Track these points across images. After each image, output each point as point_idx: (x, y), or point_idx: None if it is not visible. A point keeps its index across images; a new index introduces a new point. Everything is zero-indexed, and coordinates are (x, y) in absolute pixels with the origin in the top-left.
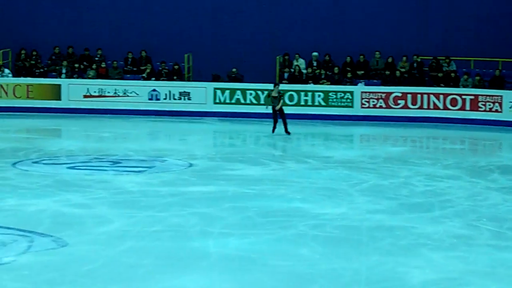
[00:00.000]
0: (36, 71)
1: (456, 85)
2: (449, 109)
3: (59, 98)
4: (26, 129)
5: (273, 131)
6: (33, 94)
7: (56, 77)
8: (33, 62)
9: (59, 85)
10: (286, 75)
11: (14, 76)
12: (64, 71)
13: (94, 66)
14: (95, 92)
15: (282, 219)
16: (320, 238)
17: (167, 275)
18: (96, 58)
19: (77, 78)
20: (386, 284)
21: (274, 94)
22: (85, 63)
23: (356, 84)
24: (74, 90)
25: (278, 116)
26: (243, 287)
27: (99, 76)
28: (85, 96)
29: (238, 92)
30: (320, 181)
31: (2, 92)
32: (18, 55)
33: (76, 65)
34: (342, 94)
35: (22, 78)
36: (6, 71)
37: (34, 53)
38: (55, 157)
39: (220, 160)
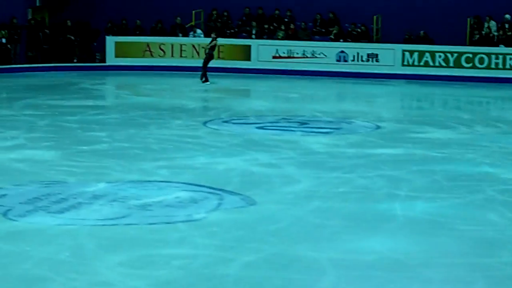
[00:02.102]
0: (227, 31)
1: None
2: None
3: (248, 59)
4: (217, 89)
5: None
6: (223, 55)
7: (246, 38)
8: (223, 22)
9: (249, 46)
10: (476, 37)
11: (205, 36)
12: (254, 31)
13: (283, 27)
14: (284, 53)
15: (470, 183)
16: (509, 203)
17: (353, 236)
18: (286, 19)
19: (267, 39)
20: None
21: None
22: (274, 24)
23: None
24: (264, 50)
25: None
26: (430, 251)
27: (288, 37)
28: (274, 57)
29: (427, 54)
30: (510, 146)
31: (194, 52)
32: (209, 15)
33: (266, 26)
34: None
35: None
36: (198, 31)
37: (225, 13)
38: (244, 116)
39: (408, 123)
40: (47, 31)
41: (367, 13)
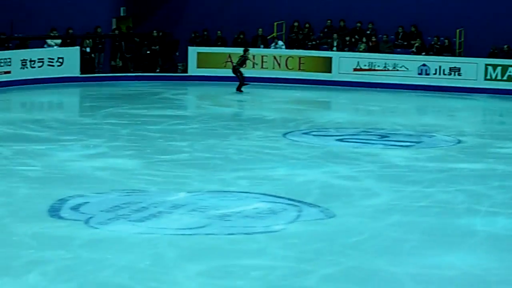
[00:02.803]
0: (308, 43)
1: None
2: None
3: (329, 71)
4: (297, 101)
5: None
6: (304, 66)
7: (327, 50)
8: (304, 34)
9: (330, 58)
10: None
11: (287, 48)
12: (335, 44)
13: (364, 40)
14: (365, 65)
15: None
16: None
17: (433, 251)
18: (367, 32)
19: (348, 51)
20: None
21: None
22: (356, 36)
23: None
24: (345, 63)
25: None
26: (511, 267)
27: (369, 49)
28: (355, 70)
29: (510, 68)
30: None
31: (275, 64)
32: (291, 27)
33: (347, 38)
34: None
35: (294, 50)
36: (280, 43)
37: (307, 25)
38: (324, 128)
39: (489, 138)
40: (136, 39)
41: (450, 26)
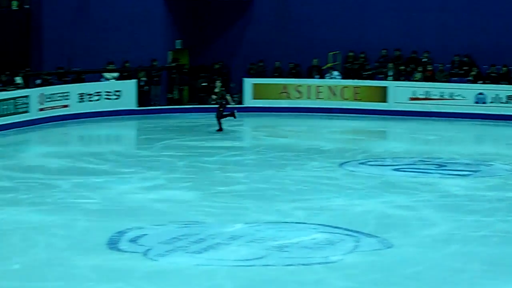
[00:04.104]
0: (364, 73)
1: None
2: None
3: (385, 100)
4: (353, 130)
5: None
6: (360, 96)
7: (382, 79)
8: (360, 64)
9: (385, 87)
10: None
11: (342, 78)
12: (390, 73)
13: (420, 69)
14: (421, 94)
15: None
16: None
17: (493, 281)
18: (423, 61)
19: (404, 80)
20: None
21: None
22: (412, 65)
23: None
24: (400, 92)
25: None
26: None
27: (425, 78)
28: (411, 99)
29: None
30: None
31: (331, 94)
32: (346, 57)
33: (402, 68)
34: None
35: (350, 80)
36: (335, 73)
37: (362, 55)
38: (380, 158)
39: None
40: (185, 70)
41: (507, 54)
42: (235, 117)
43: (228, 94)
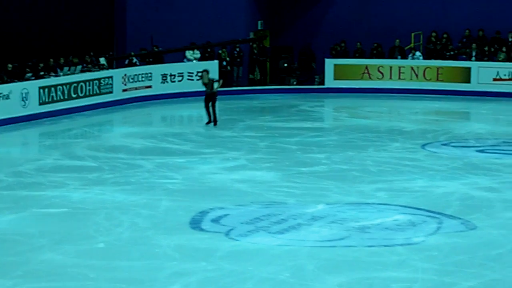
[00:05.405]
0: (446, 53)
1: None
2: None
3: (468, 81)
4: (435, 111)
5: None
6: (442, 77)
7: (465, 60)
8: (442, 44)
9: (468, 68)
10: None
11: (424, 58)
12: (473, 53)
13: (504, 49)
14: (505, 75)
15: None
16: None
17: None
18: (510, 40)
19: (487, 60)
20: None
21: (205, 80)
22: (495, 45)
23: None
24: (484, 73)
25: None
26: None
27: (509, 59)
28: (494, 79)
29: None
30: None
31: (413, 75)
32: (429, 37)
33: (486, 48)
34: None
35: (432, 61)
36: (417, 53)
37: (445, 35)
38: (463, 139)
39: None
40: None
41: None
42: (215, 125)
43: (217, 82)
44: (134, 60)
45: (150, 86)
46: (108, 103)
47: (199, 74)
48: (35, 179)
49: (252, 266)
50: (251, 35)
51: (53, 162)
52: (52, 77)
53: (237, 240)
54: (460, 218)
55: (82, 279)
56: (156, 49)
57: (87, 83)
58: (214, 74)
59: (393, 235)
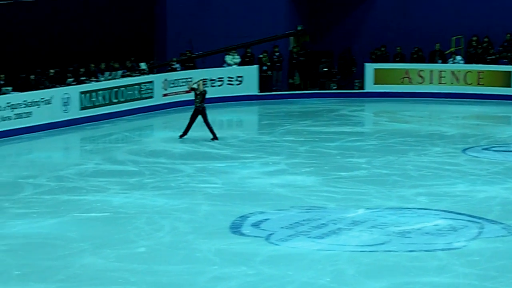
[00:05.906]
0: (487, 57)
1: None
2: None
3: (509, 85)
4: (476, 116)
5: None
6: (483, 81)
7: (507, 64)
8: (483, 48)
9: (509, 72)
10: None
11: (465, 62)
12: None
13: None
14: None
15: None
16: None
17: None
18: None
19: None
20: None
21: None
22: None
23: None
24: None
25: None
26: None
27: None
28: None
29: None
30: None
31: (454, 79)
32: (469, 41)
33: None
34: None
35: (473, 65)
36: (458, 58)
37: (486, 39)
38: (504, 144)
39: None
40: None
41: None
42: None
43: (196, 83)
44: (175, 65)
45: (190, 91)
46: (149, 108)
47: (189, 81)
48: (76, 183)
49: (292, 271)
50: (292, 40)
51: (94, 166)
52: (93, 82)
53: (277, 244)
54: (501, 223)
55: (123, 283)
56: (193, 54)
57: (128, 88)
58: (254, 78)
59: (434, 240)
